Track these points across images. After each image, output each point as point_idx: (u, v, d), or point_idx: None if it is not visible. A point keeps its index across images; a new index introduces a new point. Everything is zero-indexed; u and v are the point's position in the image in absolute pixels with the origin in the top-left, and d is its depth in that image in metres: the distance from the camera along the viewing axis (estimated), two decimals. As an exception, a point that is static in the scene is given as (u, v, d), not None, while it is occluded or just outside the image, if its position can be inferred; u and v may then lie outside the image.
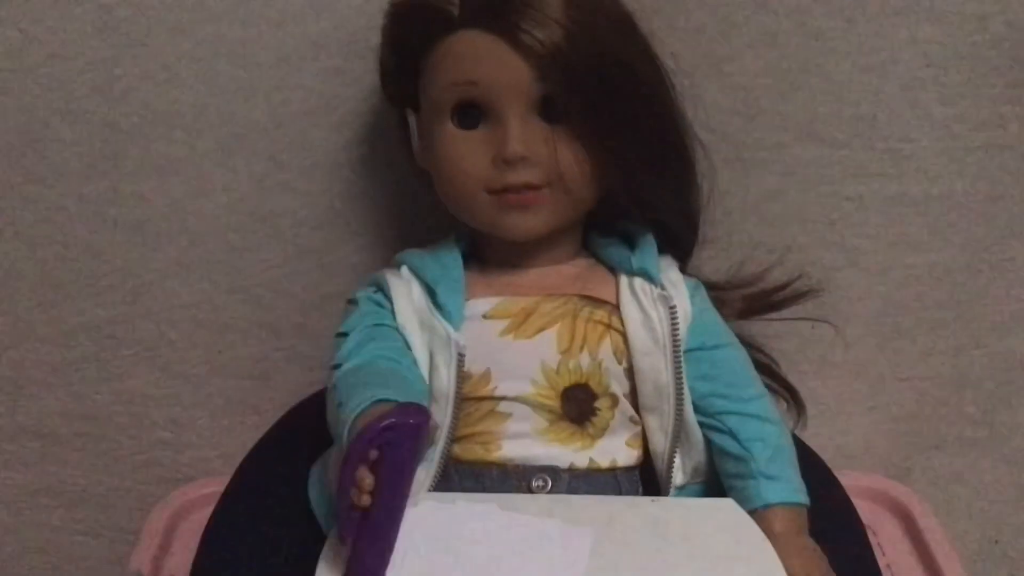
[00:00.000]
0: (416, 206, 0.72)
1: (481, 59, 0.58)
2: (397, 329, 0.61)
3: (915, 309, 0.77)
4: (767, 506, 0.58)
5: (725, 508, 0.57)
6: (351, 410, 0.53)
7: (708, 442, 0.63)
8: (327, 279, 0.77)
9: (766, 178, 0.74)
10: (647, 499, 0.60)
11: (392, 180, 0.74)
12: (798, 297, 0.71)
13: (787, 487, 0.59)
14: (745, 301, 0.70)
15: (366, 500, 0.49)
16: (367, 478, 0.49)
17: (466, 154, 0.60)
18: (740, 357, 0.64)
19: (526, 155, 0.59)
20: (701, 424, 0.62)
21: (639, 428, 0.63)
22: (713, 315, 0.65)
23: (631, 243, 0.65)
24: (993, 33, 0.69)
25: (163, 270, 0.77)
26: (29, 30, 0.69)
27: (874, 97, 0.71)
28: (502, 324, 0.62)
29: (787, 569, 0.53)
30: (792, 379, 0.70)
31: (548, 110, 0.59)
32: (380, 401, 0.53)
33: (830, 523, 0.62)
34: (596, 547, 0.53)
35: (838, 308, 0.75)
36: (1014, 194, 0.75)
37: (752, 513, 0.58)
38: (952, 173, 0.74)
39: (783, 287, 0.70)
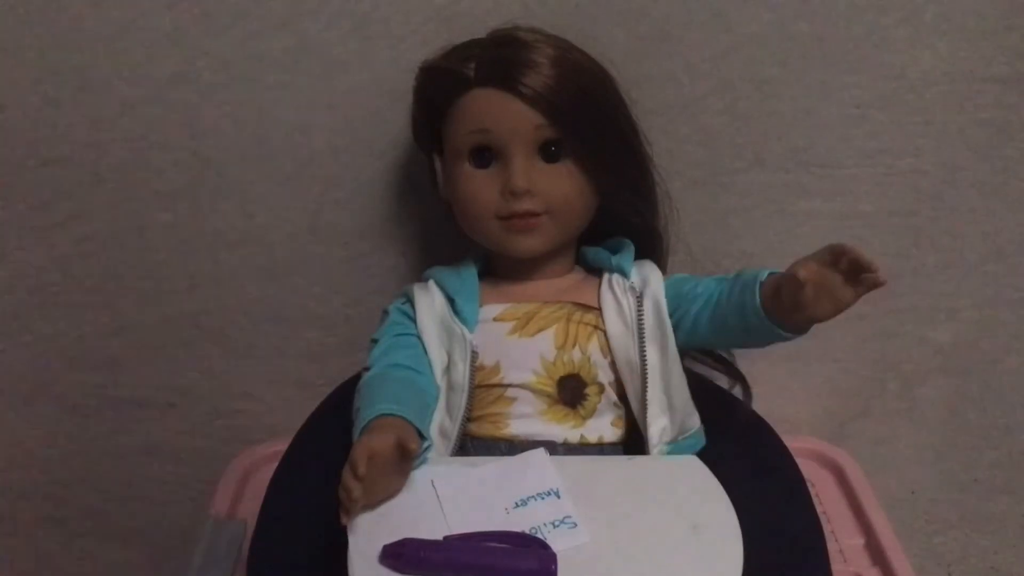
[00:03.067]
0: (440, 220, 0.74)
1: (493, 111, 0.62)
2: (418, 336, 0.65)
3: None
4: (771, 274, 0.57)
5: (693, 465, 0.59)
6: (362, 419, 0.57)
7: (698, 384, 0.63)
8: (369, 279, 0.82)
9: (725, 198, 0.78)
10: (624, 457, 0.63)
11: (422, 199, 0.77)
12: None
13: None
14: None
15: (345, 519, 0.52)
16: (355, 488, 0.51)
17: (480, 188, 0.64)
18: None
19: (529, 188, 0.63)
20: (710, 307, 0.62)
21: (622, 411, 0.65)
22: (685, 282, 0.65)
23: (614, 250, 0.68)
24: (908, 80, 0.74)
25: (239, 272, 0.81)
26: (120, 73, 0.73)
27: (811, 132, 0.76)
28: (509, 325, 0.65)
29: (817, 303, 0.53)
30: (746, 362, 0.71)
31: (547, 153, 0.63)
32: (384, 415, 0.56)
33: (777, 478, 0.66)
34: (578, 500, 0.55)
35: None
36: (925, 211, 0.80)
37: (753, 284, 0.57)
38: (877, 194, 0.78)
39: None
